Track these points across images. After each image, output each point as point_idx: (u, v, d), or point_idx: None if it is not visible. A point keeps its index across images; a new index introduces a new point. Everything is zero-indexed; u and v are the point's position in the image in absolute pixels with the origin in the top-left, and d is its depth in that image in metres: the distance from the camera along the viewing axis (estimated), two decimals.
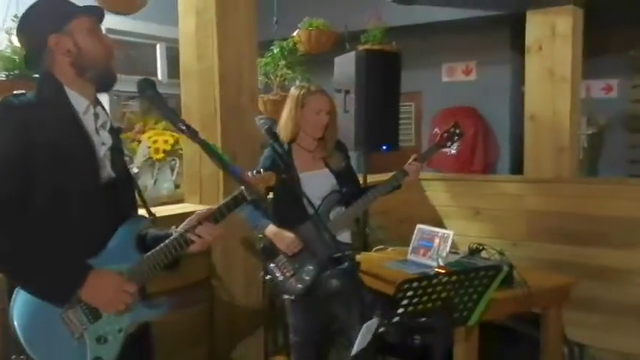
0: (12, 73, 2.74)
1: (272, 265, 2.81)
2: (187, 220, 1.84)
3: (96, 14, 1.82)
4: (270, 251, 2.81)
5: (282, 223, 2.78)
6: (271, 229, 2.77)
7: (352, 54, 3.87)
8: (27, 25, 1.79)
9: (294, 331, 2.94)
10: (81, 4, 1.81)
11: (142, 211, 1.96)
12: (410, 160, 2.93)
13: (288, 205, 2.56)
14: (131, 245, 1.79)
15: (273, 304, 3.44)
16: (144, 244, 1.85)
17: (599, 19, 4.85)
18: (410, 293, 2.17)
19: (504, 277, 2.65)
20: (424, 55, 5.82)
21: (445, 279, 2.24)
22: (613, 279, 4.21)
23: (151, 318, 1.85)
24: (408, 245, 3.70)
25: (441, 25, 5.38)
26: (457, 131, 2.96)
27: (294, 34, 4.19)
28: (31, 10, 1.78)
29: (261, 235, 2.84)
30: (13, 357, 1.67)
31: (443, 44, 6.24)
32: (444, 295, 2.27)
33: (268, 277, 2.82)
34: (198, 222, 1.79)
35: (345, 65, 3.90)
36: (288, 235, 2.73)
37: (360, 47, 4.16)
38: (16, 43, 2.71)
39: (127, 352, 1.78)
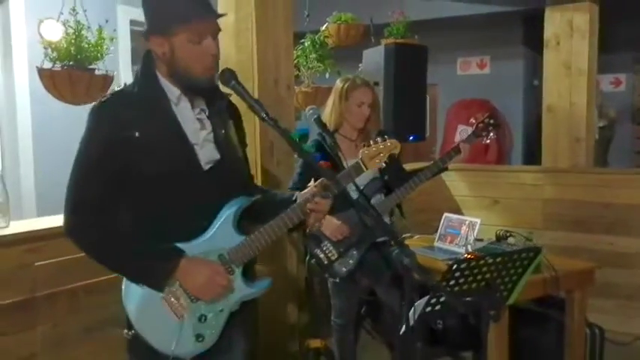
0: (67, 63, 2.81)
1: (317, 249, 2.94)
2: (309, 189, 1.87)
3: (211, 18, 1.76)
4: (316, 236, 2.93)
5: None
6: None
7: (381, 47, 3.99)
8: (145, 9, 1.78)
9: (337, 313, 3.07)
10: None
11: None
12: (455, 145, 3.04)
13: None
14: (233, 226, 1.81)
15: (310, 289, 3.57)
16: (257, 214, 1.88)
17: (610, 15, 4.99)
18: (458, 274, 2.31)
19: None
20: (440, 48, 5.94)
21: (491, 260, 2.37)
22: (630, 265, 4.37)
23: (253, 296, 1.87)
24: (428, 233, 3.83)
25: (457, 20, 5.50)
26: (492, 121, 3.07)
27: (323, 27, 4.30)
28: (147, 2, 1.78)
29: None
30: (125, 331, 1.78)
31: (458, 39, 6.37)
32: (488, 275, 2.40)
33: (314, 260, 2.95)
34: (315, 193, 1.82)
35: (373, 58, 4.02)
36: (335, 221, 2.85)
37: (386, 41, 4.28)
38: (72, 33, 2.82)
39: (230, 326, 1.83)
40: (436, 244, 3.65)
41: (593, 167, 4.91)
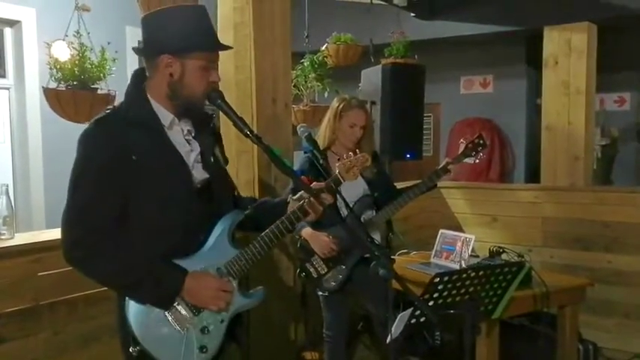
0: (72, 83, 2.94)
1: (307, 263, 3.02)
2: (298, 194, 1.97)
3: (217, 50, 1.85)
4: (306, 251, 3.02)
5: (317, 224, 2.99)
6: (307, 231, 2.97)
7: (379, 67, 4.09)
8: (153, 27, 1.81)
9: (328, 325, 3.14)
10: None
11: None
12: (443, 163, 3.12)
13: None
14: (227, 241, 1.89)
15: (305, 302, 3.65)
16: (254, 224, 1.98)
17: (614, 34, 5.06)
18: (441, 287, 2.37)
19: (524, 277, 2.83)
20: (443, 68, 6.05)
21: (473, 274, 2.43)
22: (628, 283, 4.39)
23: (249, 307, 1.95)
24: (428, 250, 3.89)
25: (460, 39, 5.59)
26: (481, 142, 3.13)
27: (323, 48, 4.42)
28: (167, 17, 1.79)
29: (297, 236, 3.05)
30: (130, 348, 1.79)
31: (461, 58, 6.47)
32: (471, 289, 2.46)
33: (303, 274, 3.03)
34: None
35: (371, 77, 4.13)
36: (324, 238, 2.93)
37: (385, 60, 4.38)
38: (76, 55, 2.96)
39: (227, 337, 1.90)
40: (432, 260, 3.71)
41: (592, 186, 4.94)
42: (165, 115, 1.84)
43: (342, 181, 2.02)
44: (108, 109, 1.83)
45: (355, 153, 3.05)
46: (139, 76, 1.86)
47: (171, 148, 1.83)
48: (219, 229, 1.90)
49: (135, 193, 1.75)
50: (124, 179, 1.73)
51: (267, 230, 1.92)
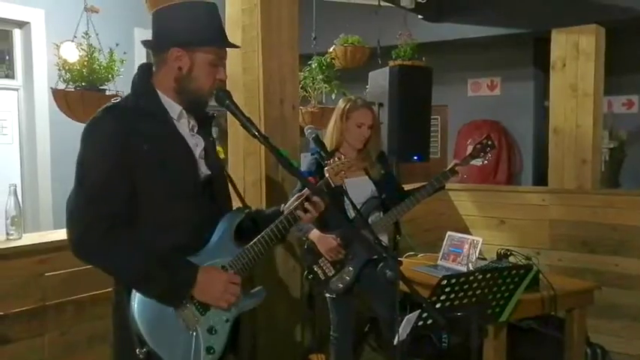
0: (80, 84, 2.95)
1: (314, 265, 3.02)
2: (293, 198, 1.99)
3: (227, 46, 1.87)
4: (313, 253, 3.01)
5: (324, 226, 2.99)
6: (315, 233, 2.97)
7: (386, 69, 4.09)
8: (164, 20, 1.82)
9: (335, 327, 3.13)
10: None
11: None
12: (451, 165, 3.11)
13: (330, 209, 2.76)
14: (231, 239, 1.89)
15: (312, 304, 3.64)
16: (250, 230, 1.96)
17: (622, 37, 5.03)
18: (448, 289, 2.36)
19: (531, 280, 2.82)
20: (450, 70, 6.05)
21: (481, 276, 2.42)
22: (635, 286, 4.37)
23: (252, 306, 1.94)
24: (435, 252, 3.88)
25: (467, 42, 5.59)
26: (489, 143, 3.13)
27: (331, 49, 4.42)
28: (179, 11, 1.81)
29: (304, 238, 3.05)
30: (137, 350, 1.72)
31: (469, 60, 6.46)
32: (478, 292, 2.45)
33: (310, 276, 3.02)
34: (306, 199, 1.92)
35: (379, 79, 4.12)
36: (331, 241, 2.93)
37: (392, 62, 4.39)
38: (84, 56, 2.97)
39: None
40: (439, 262, 3.70)
41: (599, 189, 4.93)
42: (174, 108, 1.84)
43: (331, 184, 2.06)
44: (116, 99, 1.83)
45: (361, 152, 3.08)
46: (146, 70, 1.87)
47: (180, 138, 1.84)
48: (222, 227, 1.90)
49: (145, 181, 1.74)
50: (134, 166, 1.72)
51: (267, 229, 1.92)
